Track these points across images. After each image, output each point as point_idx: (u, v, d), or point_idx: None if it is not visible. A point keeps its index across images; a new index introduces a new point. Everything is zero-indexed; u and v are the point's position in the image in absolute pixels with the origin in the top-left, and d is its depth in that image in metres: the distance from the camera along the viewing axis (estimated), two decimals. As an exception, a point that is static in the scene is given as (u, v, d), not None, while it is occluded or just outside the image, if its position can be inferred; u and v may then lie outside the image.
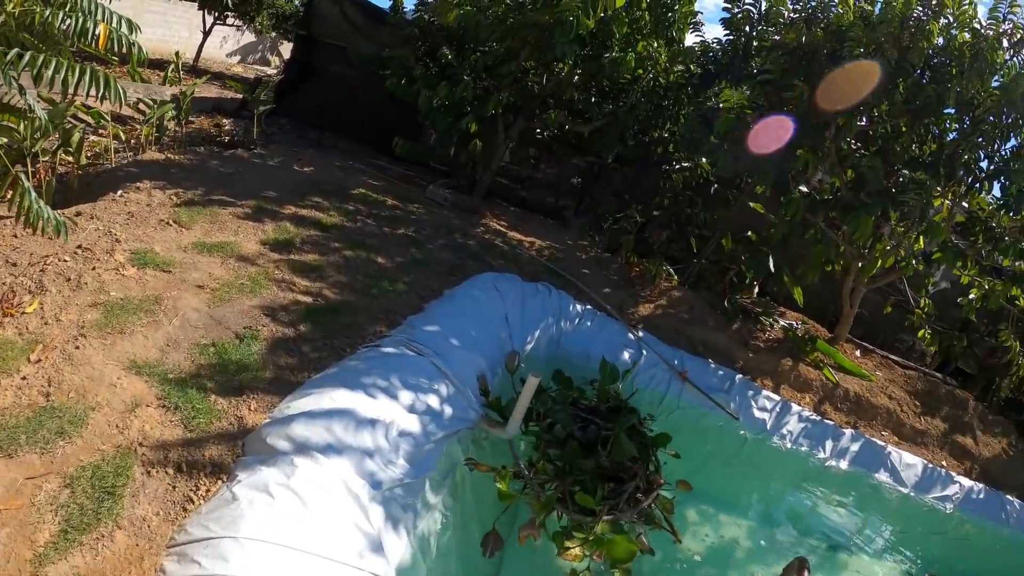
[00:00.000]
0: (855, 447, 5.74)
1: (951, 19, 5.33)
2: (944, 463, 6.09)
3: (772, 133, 6.01)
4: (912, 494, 5.78)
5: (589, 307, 5.74)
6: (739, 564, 5.11)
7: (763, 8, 6.44)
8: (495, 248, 6.62)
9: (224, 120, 9.39)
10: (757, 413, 5.53)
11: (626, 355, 5.22)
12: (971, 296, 6.27)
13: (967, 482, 5.91)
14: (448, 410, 3.42)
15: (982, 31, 5.25)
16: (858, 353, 7.06)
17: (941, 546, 5.80)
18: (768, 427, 5.58)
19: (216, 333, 3.64)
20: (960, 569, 5.78)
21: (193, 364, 3.33)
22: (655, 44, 7.38)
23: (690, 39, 8.29)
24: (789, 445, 5.63)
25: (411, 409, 3.25)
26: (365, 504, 2.71)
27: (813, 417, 5.79)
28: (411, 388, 3.38)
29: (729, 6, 6.54)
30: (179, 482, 2.70)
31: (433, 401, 3.38)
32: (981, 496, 5.93)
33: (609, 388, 4.47)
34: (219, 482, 2.72)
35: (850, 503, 5.80)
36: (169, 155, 6.63)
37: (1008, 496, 6.04)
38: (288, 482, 2.58)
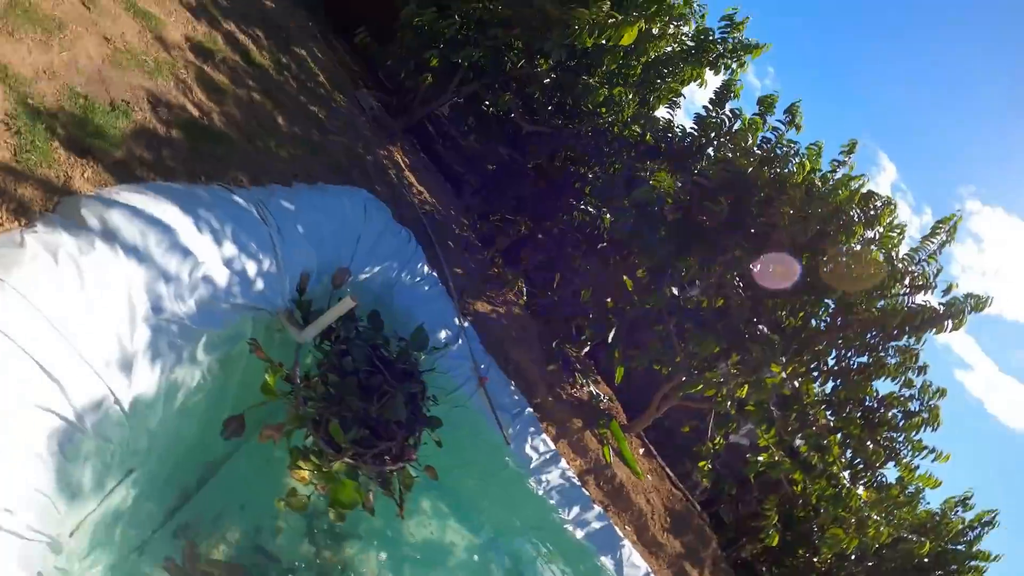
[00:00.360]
0: (597, 525, 6.21)
1: (877, 234, 5.98)
2: (664, 582, 6.71)
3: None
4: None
5: (435, 275, 5.90)
6: (446, 571, 5.48)
7: (735, 127, 7.03)
8: (386, 176, 6.67)
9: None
10: (528, 450, 5.85)
11: (443, 335, 5.42)
12: (760, 458, 6.93)
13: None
14: (260, 285, 3.47)
15: (895, 261, 5.91)
16: (642, 451, 7.72)
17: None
18: (532, 466, 6.05)
19: (94, 89, 3.52)
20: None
21: (57, 103, 3.21)
22: (629, 96, 7.75)
23: (661, 111, 8.94)
24: (541, 492, 6.16)
25: (227, 263, 3.28)
26: (136, 320, 2.72)
27: (575, 481, 6.20)
28: (239, 246, 3.39)
29: (710, 108, 7.23)
30: (-22, 202, 2.61)
31: (251, 269, 3.42)
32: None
33: (412, 353, 4.75)
34: (16, 224, 2.66)
35: (568, 573, 6.40)
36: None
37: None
38: (78, 257, 2.57)
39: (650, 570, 6.50)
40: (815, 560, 8.13)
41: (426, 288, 5.64)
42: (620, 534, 6.41)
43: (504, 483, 5.92)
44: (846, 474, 6.49)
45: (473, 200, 8.99)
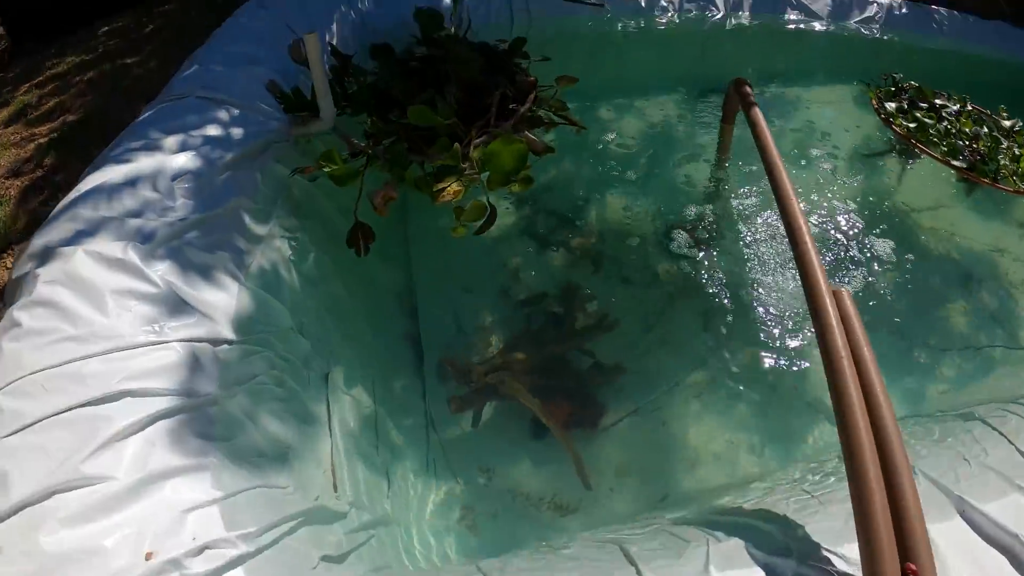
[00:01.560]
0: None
1: None
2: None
3: None
4: (831, 27, 5.23)
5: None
6: (676, 139, 4.65)
7: None
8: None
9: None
10: (625, -6, 4.87)
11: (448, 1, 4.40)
12: None
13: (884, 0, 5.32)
14: (237, 131, 2.73)
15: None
16: None
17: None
18: (643, 4, 4.99)
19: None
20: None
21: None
22: None
23: None
24: (675, 17, 5.09)
25: (183, 148, 2.56)
26: (136, 265, 2.01)
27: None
28: (178, 131, 2.57)
29: None
30: None
31: (213, 130, 2.68)
32: (904, 11, 5.38)
33: (438, 36, 3.80)
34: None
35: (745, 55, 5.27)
36: None
37: (932, 6, 5.48)
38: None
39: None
40: None
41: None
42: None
43: (638, 42, 4.89)
44: None
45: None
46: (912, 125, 3.83)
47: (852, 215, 4.03)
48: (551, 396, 3.01)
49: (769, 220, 3.91)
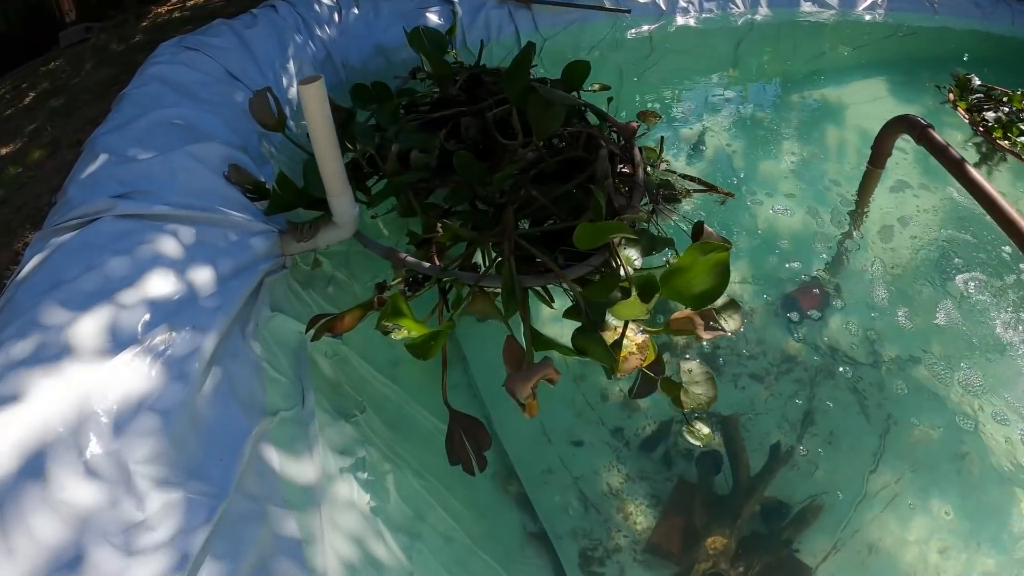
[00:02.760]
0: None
1: None
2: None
3: None
4: (839, 15, 4.60)
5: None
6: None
7: None
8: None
9: None
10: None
11: (434, 18, 3.16)
12: None
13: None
14: (202, 275, 1.46)
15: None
16: None
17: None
18: (664, 7, 4.01)
19: None
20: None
21: None
22: None
23: None
24: (700, 18, 4.15)
25: (115, 344, 1.29)
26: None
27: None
28: (93, 303, 1.29)
29: None
30: None
31: (158, 285, 1.38)
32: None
33: (445, 59, 2.66)
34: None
35: (773, 51, 4.57)
36: None
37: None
38: None
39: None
40: None
41: (356, 12, 3.05)
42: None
43: (672, 43, 3.90)
44: None
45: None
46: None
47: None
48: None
49: (914, 271, 3.01)
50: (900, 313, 2.83)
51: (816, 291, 2.94)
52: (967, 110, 3.55)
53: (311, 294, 1.85)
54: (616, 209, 1.91)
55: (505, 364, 1.51)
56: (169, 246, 1.47)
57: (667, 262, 2.10)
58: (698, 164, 3.45)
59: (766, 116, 3.93)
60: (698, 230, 1.77)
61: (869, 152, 2.92)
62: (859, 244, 3.15)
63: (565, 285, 1.70)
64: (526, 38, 3.25)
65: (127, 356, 1.18)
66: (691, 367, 1.79)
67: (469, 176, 1.89)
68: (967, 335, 2.76)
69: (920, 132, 2.49)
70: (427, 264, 1.66)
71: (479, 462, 1.56)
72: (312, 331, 1.57)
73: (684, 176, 2.28)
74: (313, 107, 1.52)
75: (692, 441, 2.10)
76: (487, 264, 1.84)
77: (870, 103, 4.20)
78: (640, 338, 1.69)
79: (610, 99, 2.35)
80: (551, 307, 1.78)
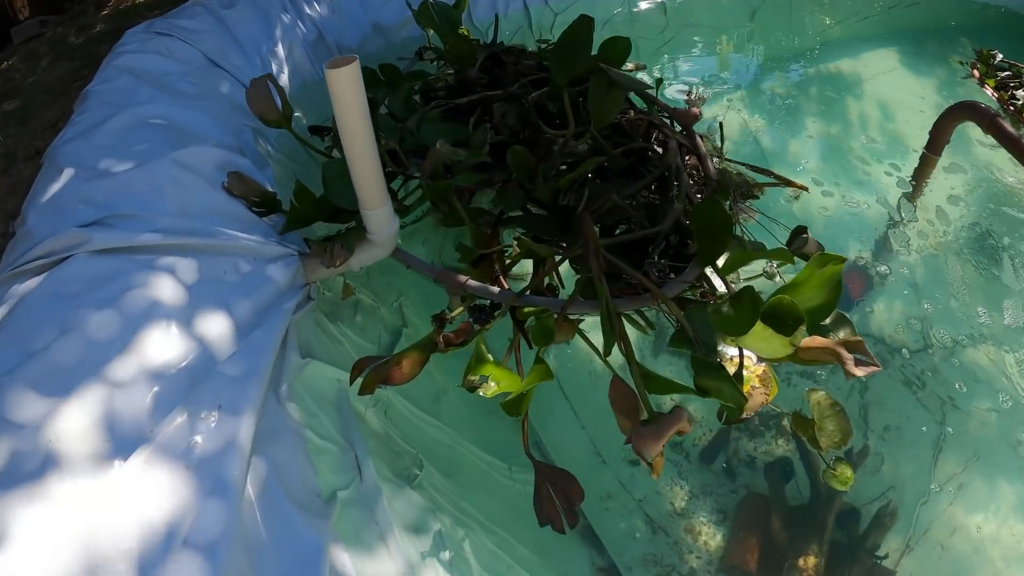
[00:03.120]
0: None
1: None
2: None
3: None
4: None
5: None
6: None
7: None
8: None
9: None
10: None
11: None
12: None
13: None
14: (214, 326, 1.05)
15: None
16: None
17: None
18: None
19: None
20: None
21: None
22: None
23: None
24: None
25: (116, 443, 0.92)
26: None
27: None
28: (77, 375, 0.91)
29: None
30: None
31: (155, 346, 0.99)
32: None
33: (465, 36, 2.30)
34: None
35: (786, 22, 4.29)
36: None
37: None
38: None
39: None
40: None
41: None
42: None
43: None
44: None
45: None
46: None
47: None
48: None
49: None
50: (949, 297, 2.65)
51: (861, 277, 2.73)
52: (995, 88, 3.33)
53: (340, 327, 1.50)
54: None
55: (615, 413, 1.19)
56: (166, 289, 1.11)
57: (765, 272, 1.81)
58: (724, 145, 3.17)
59: (785, 91, 3.67)
60: (800, 237, 1.48)
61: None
62: (905, 228, 2.92)
63: (664, 307, 1.38)
64: (535, 12, 2.89)
65: (137, 463, 0.82)
66: (819, 398, 1.50)
67: (524, 174, 1.55)
68: (1020, 317, 2.58)
69: (989, 121, 2.28)
70: (496, 289, 1.32)
71: (570, 518, 1.25)
72: (359, 380, 1.22)
73: (752, 168, 1.98)
74: (346, 97, 1.16)
75: (837, 488, 1.82)
76: (553, 282, 1.51)
77: (885, 75, 3.96)
78: (760, 368, 1.40)
79: (659, 80, 2.02)
80: (647, 333, 1.46)
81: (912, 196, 2.89)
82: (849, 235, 2.89)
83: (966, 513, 2.19)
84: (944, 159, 2.88)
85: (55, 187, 1.29)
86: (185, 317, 1.07)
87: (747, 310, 1.23)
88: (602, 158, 1.65)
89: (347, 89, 1.16)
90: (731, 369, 1.34)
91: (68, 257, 1.11)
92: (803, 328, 1.23)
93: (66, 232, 1.14)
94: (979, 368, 2.43)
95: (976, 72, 3.46)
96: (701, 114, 1.93)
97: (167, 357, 0.99)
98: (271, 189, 1.46)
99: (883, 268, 2.74)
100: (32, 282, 1.07)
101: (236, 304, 1.15)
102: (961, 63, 3.59)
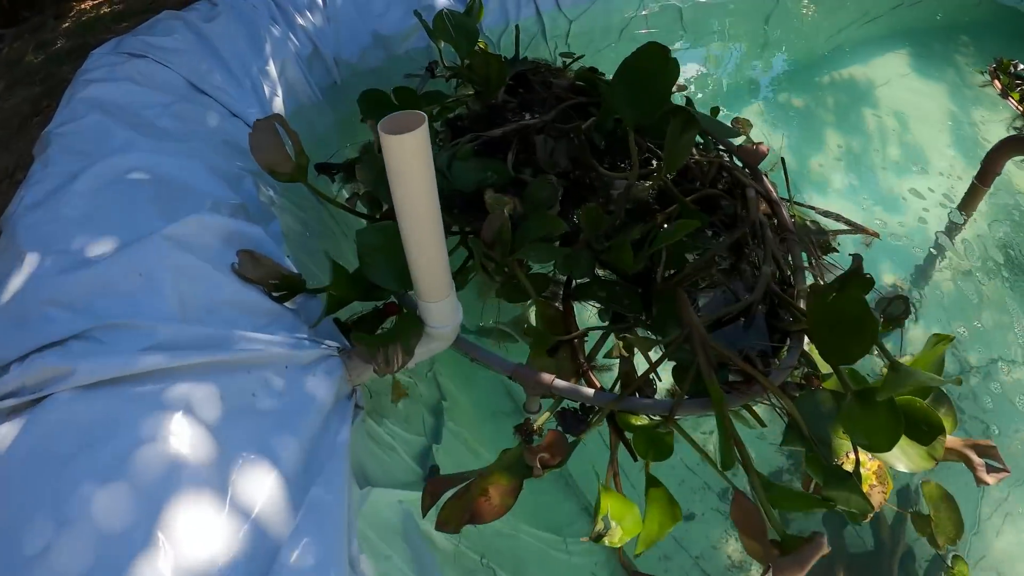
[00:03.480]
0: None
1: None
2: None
3: None
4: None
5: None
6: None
7: None
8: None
9: None
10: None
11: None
12: None
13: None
14: (239, 522, 0.77)
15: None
16: None
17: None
18: None
19: None
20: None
21: None
22: None
23: None
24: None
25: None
26: None
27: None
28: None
29: None
30: None
31: (193, 542, 0.75)
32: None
33: (495, 54, 2.01)
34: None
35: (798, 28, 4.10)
36: None
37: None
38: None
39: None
40: None
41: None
42: None
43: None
44: None
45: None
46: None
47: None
48: None
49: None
50: (986, 320, 2.54)
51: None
52: (1020, 101, 3.22)
53: (386, 425, 1.22)
54: (786, 277, 1.37)
55: (741, 535, 0.96)
56: (185, 436, 0.82)
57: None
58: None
59: (802, 101, 3.48)
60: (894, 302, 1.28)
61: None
62: (949, 256, 2.79)
63: (774, 399, 1.15)
64: (548, 19, 2.61)
65: None
66: (931, 490, 1.29)
67: (593, 233, 1.29)
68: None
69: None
70: (589, 392, 1.06)
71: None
72: (432, 512, 0.96)
73: (824, 213, 1.75)
74: (410, 171, 0.88)
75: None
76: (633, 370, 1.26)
77: (898, 81, 3.82)
78: (875, 464, 1.19)
79: (715, 109, 1.77)
80: (759, 428, 1.22)
81: (957, 228, 2.76)
82: (884, 258, 2.74)
83: (1020, 542, 2.08)
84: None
85: (16, 281, 0.98)
86: (218, 481, 0.79)
87: (889, 422, 1.00)
88: (696, 220, 1.40)
89: (412, 161, 0.87)
90: (848, 467, 1.13)
91: (45, 398, 0.81)
92: (943, 438, 1.02)
93: (41, 360, 0.84)
94: (1020, 392, 2.32)
95: (998, 83, 3.34)
96: (767, 150, 1.69)
97: (211, 552, 0.70)
98: (294, 270, 1.17)
99: (920, 294, 2.62)
100: (3, 435, 0.77)
101: (279, 446, 0.87)
102: (981, 72, 3.47)
